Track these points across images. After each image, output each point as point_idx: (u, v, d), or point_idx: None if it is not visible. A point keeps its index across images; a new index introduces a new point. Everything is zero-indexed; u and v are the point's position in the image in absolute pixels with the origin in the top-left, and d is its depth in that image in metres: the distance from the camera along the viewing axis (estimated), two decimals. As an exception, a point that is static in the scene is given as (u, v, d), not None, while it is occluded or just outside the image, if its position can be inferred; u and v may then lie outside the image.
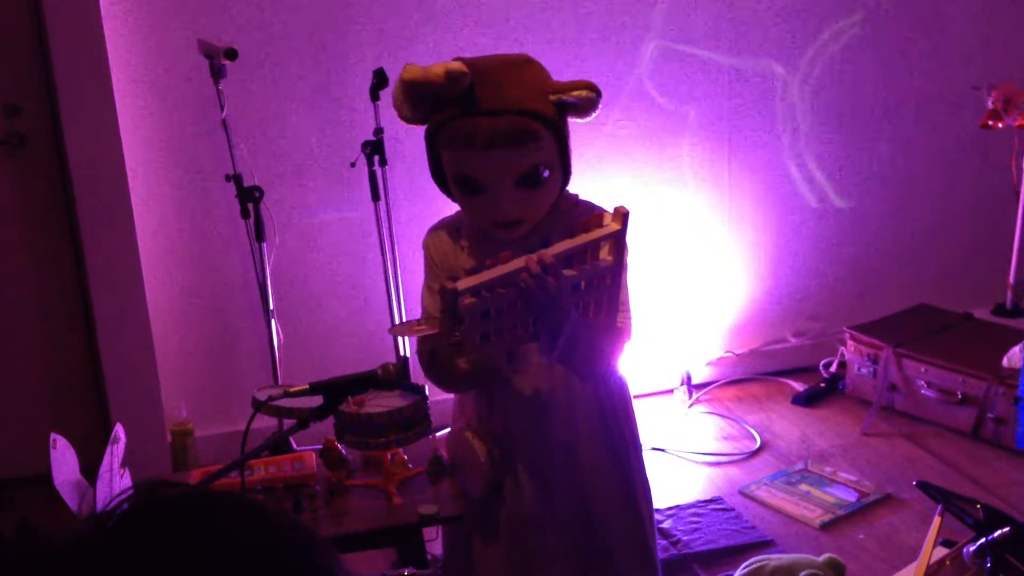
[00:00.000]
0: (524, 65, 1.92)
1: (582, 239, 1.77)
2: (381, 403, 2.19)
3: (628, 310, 1.97)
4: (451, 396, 2.17)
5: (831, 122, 4.19)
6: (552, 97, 1.85)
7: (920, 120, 4.30)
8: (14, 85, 3.48)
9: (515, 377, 2.03)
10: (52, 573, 0.66)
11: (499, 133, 1.82)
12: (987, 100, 3.96)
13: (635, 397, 2.19)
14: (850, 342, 4.07)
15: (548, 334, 1.81)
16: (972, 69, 4.24)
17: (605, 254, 1.80)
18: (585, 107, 1.87)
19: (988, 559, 2.20)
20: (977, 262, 4.51)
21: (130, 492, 0.70)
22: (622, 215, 1.78)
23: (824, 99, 4.16)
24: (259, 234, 3.40)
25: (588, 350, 1.88)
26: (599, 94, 1.87)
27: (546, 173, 1.88)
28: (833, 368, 4.22)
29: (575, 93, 1.85)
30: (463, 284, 1.70)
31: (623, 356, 1.99)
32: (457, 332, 1.73)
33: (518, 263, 1.73)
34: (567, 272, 1.77)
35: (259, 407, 1.99)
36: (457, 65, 1.83)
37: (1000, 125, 3.98)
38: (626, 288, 1.92)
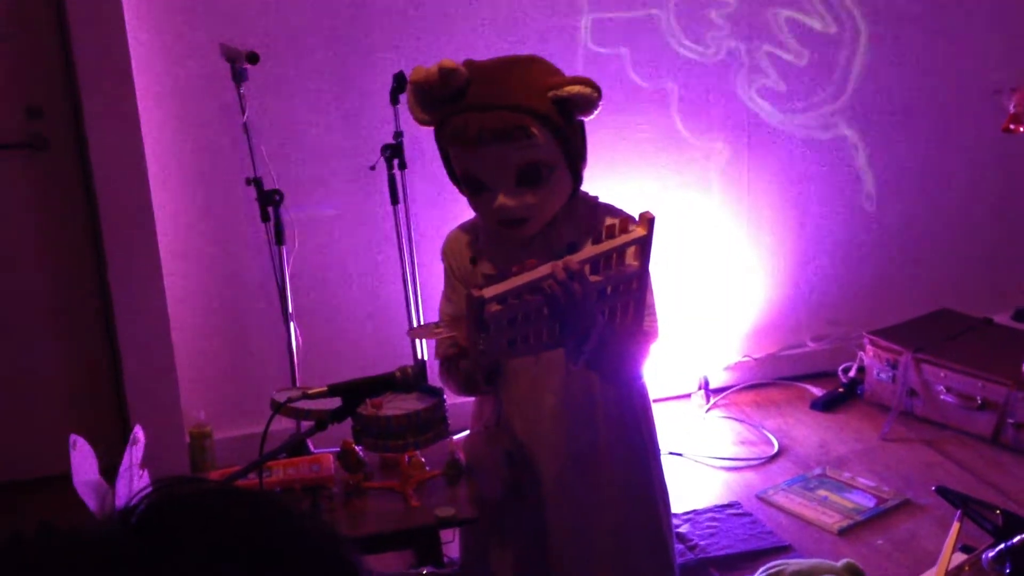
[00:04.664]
0: (525, 63, 1.93)
1: (608, 245, 1.77)
2: (399, 405, 2.19)
3: (654, 312, 1.97)
4: (469, 400, 2.17)
5: (849, 126, 4.18)
6: (549, 94, 1.85)
7: (940, 124, 4.28)
8: (37, 88, 3.51)
9: (535, 381, 2.03)
10: (80, 569, 0.66)
11: (487, 128, 1.82)
12: (1008, 104, 3.93)
13: (653, 401, 2.19)
14: (869, 347, 4.06)
15: (575, 340, 1.81)
16: (993, 73, 4.21)
17: (631, 259, 1.80)
18: (582, 103, 1.86)
19: (1007, 565, 2.19)
20: (998, 267, 4.48)
21: (152, 488, 0.71)
22: (648, 220, 1.78)
23: (843, 103, 4.14)
24: (279, 237, 3.42)
25: (615, 354, 1.88)
26: (596, 89, 1.85)
27: (546, 171, 1.88)
28: (852, 373, 4.20)
29: (568, 89, 1.84)
30: (489, 292, 1.70)
31: (649, 358, 1.99)
32: (483, 340, 1.73)
33: (544, 270, 1.73)
34: (593, 278, 1.76)
35: (277, 409, 2.00)
36: (448, 62, 1.84)
37: (1022, 129, 3.95)
38: (651, 290, 1.92)
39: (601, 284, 1.78)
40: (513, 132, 1.82)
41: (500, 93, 1.84)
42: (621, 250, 1.78)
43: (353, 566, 0.74)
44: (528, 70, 1.90)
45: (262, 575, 0.68)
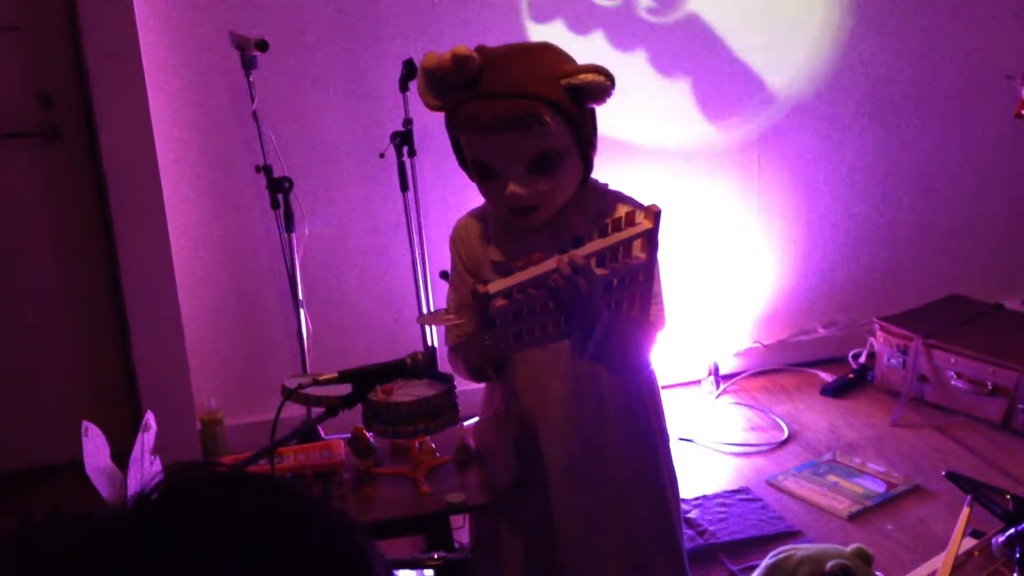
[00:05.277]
0: (538, 51, 1.93)
1: (614, 238, 1.76)
2: (409, 392, 2.20)
3: (661, 301, 1.96)
4: (479, 386, 2.18)
5: (862, 111, 4.17)
6: (562, 82, 1.85)
7: (952, 109, 4.26)
8: (48, 77, 3.52)
9: (542, 368, 2.04)
10: (89, 556, 0.67)
11: (500, 116, 1.82)
12: (1020, 89, 3.91)
13: (663, 388, 2.19)
14: (880, 333, 4.05)
15: (580, 333, 1.81)
16: (1006, 58, 4.19)
17: (638, 251, 1.80)
18: (594, 91, 1.85)
19: (1017, 549, 2.19)
20: (1009, 253, 4.47)
21: (164, 474, 0.71)
22: (654, 213, 1.77)
23: (854, 88, 4.13)
24: (288, 224, 3.42)
25: (620, 347, 1.88)
26: (608, 77, 1.85)
27: (558, 159, 1.88)
28: (862, 359, 4.20)
29: (581, 77, 1.84)
30: (494, 287, 1.69)
31: (656, 347, 1.99)
32: (489, 334, 1.73)
33: (549, 264, 1.72)
34: (599, 271, 1.76)
35: (288, 395, 2.01)
36: (462, 48, 1.84)
37: (1033, 115, 3.93)
38: (658, 279, 1.92)
39: (607, 277, 1.78)
40: (526, 120, 1.82)
41: (513, 81, 1.84)
42: (627, 243, 1.78)
43: (364, 552, 0.74)
44: (541, 57, 1.90)
45: (273, 562, 0.68)
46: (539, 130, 1.83)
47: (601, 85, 1.84)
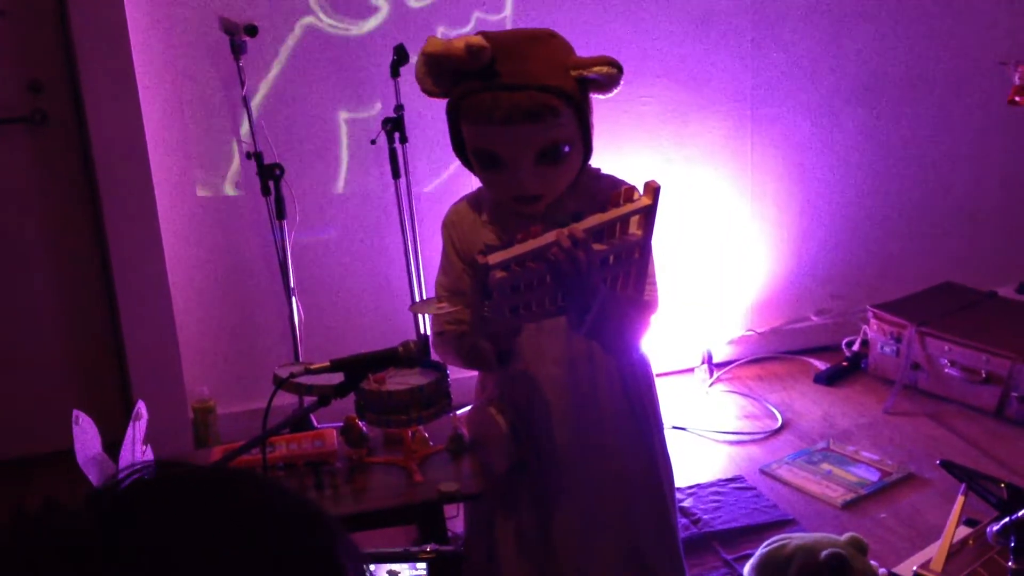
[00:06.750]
0: (547, 40, 1.91)
1: (613, 214, 1.76)
2: (402, 380, 2.18)
3: (655, 283, 1.96)
4: (472, 374, 2.16)
5: (855, 98, 4.15)
6: (573, 73, 1.83)
7: (946, 96, 4.26)
8: (37, 62, 3.49)
9: (536, 353, 2.03)
10: (49, 551, 0.65)
11: (519, 108, 1.80)
12: (1014, 76, 3.90)
13: (657, 375, 2.18)
14: (873, 320, 4.05)
15: (577, 308, 1.80)
16: (999, 44, 4.19)
17: (635, 228, 1.79)
18: (606, 83, 1.85)
19: (1012, 538, 2.18)
20: (1002, 240, 4.47)
21: (128, 472, 0.70)
22: (653, 190, 1.77)
23: (848, 75, 4.12)
24: (279, 212, 3.40)
25: (616, 323, 1.87)
26: (620, 70, 1.85)
27: (566, 149, 1.87)
28: (856, 347, 4.20)
29: (596, 69, 1.83)
30: (494, 258, 1.68)
31: (650, 328, 1.99)
32: (486, 307, 1.72)
33: (549, 237, 1.72)
34: (597, 246, 1.76)
35: (280, 384, 1.99)
36: (477, 39, 1.82)
37: (1027, 101, 3.92)
38: (652, 261, 1.91)
39: (604, 253, 1.77)
40: (543, 112, 1.80)
41: (531, 72, 1.81)
42: (625, 219, 1.77)
43: (336, 549, 0.72)
44: (551, 47, 1.88)
45: (231, 557, 0.66)
46: (552, 122, 1.82)
47: (614, 77, 1.84)
